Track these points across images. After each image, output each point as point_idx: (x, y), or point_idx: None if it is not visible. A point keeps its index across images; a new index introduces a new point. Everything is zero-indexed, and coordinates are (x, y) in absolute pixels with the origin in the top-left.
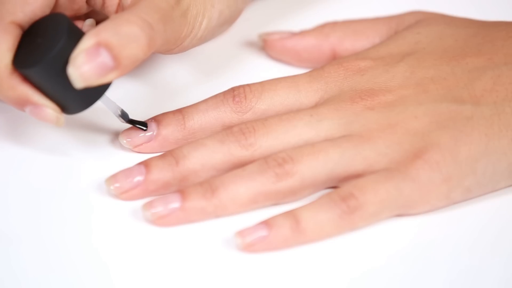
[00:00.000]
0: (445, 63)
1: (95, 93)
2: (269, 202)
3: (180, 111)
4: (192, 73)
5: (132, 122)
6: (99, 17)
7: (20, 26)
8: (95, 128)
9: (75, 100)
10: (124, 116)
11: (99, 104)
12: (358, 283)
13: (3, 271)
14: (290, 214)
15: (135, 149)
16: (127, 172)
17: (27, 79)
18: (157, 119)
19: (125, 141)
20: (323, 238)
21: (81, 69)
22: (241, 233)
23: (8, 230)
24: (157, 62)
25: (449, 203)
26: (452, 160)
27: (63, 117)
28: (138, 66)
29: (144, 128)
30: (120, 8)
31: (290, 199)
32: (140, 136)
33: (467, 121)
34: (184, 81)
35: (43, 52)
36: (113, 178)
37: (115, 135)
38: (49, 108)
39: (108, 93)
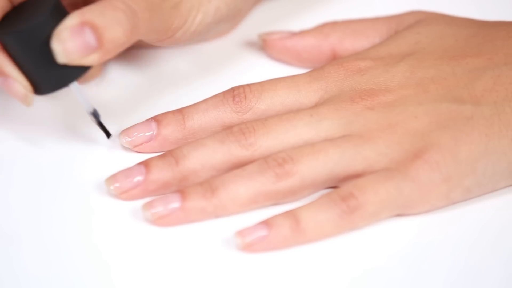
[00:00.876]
0: (445, 63)
1: (68, 75)
2: (269, 202)
3: (180, 111)
4: (191, 73)
5: (100, 125)
6: None
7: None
8: (95, 128)
9: (48, 78)
10: (95, 115)
11: (98, 104)
12: (358, 283)
13: (3, 271)
14: (290, 214)
15: (135, 148)
16: (127, 172)
17: (5, 48)
18: (157, 119)
19: (125, 141)
20: (323, 238)
21: (65, 44)
22: (241, 233)
23: (8, 229)
24: (157, 60)
25: (449, 203)
26: (452, 160)
27: (32, 97)
28: (138, 66)
29: (107, 137)
30: None
31: (290, 199)
32: (140, 135)
33: (467, 121)
34: (183, 80)
35: (23, 23)
36: (113, 178)
37: (115, 135)
38: (19, 84)
39: (110, 91)
